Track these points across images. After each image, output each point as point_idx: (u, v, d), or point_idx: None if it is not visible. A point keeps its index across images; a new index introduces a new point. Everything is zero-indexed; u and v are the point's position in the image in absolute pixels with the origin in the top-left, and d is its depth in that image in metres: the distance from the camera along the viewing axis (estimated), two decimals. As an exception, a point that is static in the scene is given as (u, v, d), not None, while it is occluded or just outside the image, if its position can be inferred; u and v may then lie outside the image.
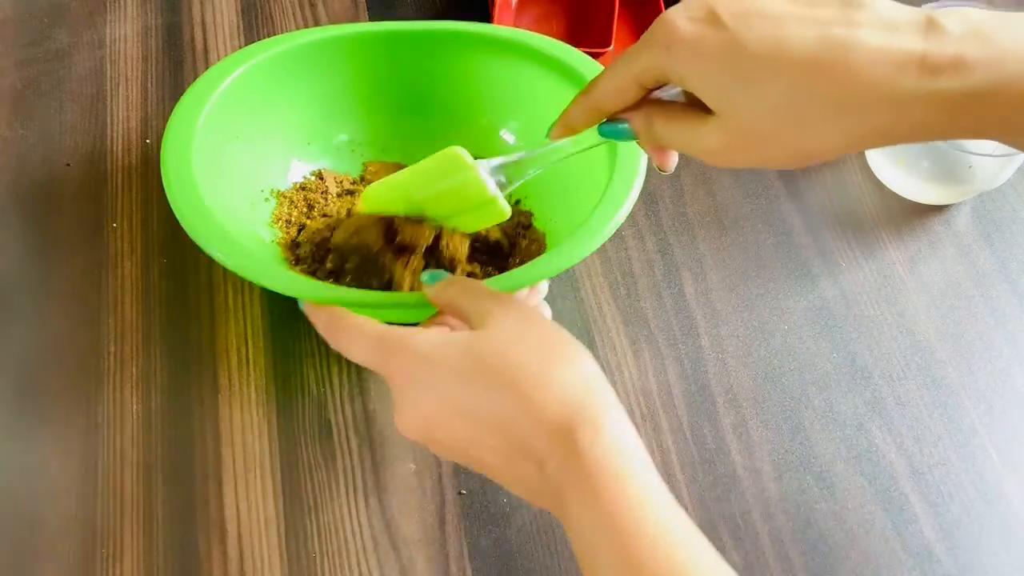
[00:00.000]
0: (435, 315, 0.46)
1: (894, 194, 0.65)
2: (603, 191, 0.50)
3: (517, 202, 0.60)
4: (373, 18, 0.72)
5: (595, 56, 0.68)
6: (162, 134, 0.52)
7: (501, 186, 0.47)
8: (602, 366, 0.56)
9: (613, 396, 0.38)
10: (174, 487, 0.51)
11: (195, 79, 0.66)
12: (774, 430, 0.55)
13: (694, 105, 0.37)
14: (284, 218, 0.57)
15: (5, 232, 0.59)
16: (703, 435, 0.54)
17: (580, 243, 0.48)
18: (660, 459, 0.53)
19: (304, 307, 0.46)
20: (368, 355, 0.40)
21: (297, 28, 0.71)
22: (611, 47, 0.67)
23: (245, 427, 0.53)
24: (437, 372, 0.37)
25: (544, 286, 0.52)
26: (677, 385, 0.56)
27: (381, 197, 0.52)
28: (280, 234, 0.56)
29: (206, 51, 0.69)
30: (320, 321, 0.44)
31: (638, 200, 0.63)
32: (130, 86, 0.66)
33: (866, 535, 0.52)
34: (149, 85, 0.67)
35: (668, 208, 0.63)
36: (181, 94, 0.65)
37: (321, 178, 0.60)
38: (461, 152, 0.46)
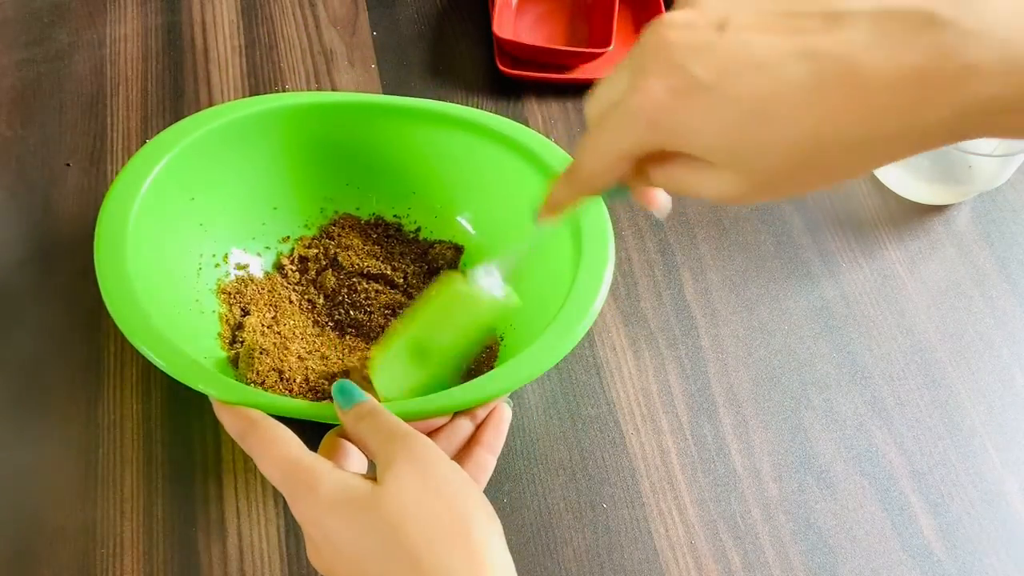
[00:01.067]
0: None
1: (894, 194, 0.65)
2: (568, 287, 0.48)
3: None
4: (373, 18, 0.72)
5: (595, 56, 0.68)
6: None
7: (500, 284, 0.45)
8: (602, 366, 0.56)
9: None
10: (174, 487, 0.51)
11: (195, 79, 0.67)
12: (774, 430, 0.55)
13: (688, 156, 0.33)
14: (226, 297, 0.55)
15: (5, 232, 0.59)
16: (703, 435, 0.54)
17: (529, 364, 0.46)
18: (660, 459, 0.53)
19: (215, 409, 0.44)
20: (276, 482, 0.40)
21: (297, 28, 0.71)
22: (611, 47, 0.67)
23: (245, 427, 0.53)
24: (338, 527, 0.37)
25: (503, 412, 0.47)
26: (677, 385, 0.56)
27: (392, 362, 0.48)
28: (224, 309, 0.54)
29: (206, 51, 0.69)
30: (231, 425, 0.43)
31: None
32: (130, 86, 0.66)
33: (866, 535, 0.52)
34: (149, 85, 0.67)
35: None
36: (181, 94, 0.66)
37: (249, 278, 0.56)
38: (456, 280, 0.44)
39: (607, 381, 0.56)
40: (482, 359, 0.54)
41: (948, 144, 0.30)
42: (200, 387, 0.44)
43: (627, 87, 0.32)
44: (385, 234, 0.59)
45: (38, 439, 0.52)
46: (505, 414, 0.47)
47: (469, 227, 0.58)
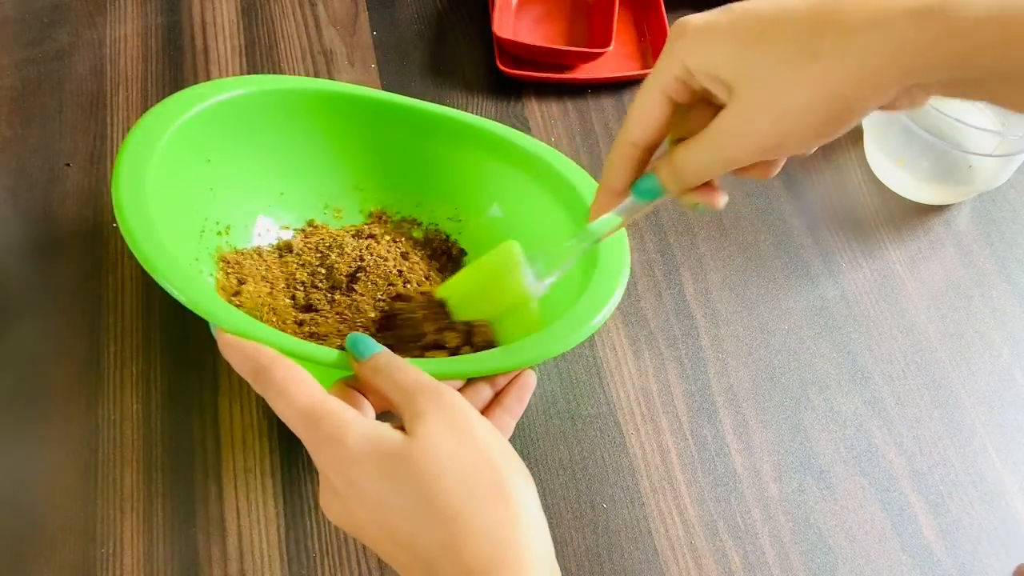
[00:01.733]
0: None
1: (894, 194, 0.65)
2: (589, 278, 0.49)
3: None
4: (373, 18, 0.72)
5: (595, 56, 0.68)
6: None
7: (538, 275, 0.46)
8: (602, 366, 0.56)
9: (539, 550, 0.36)
10: (174, 487, 0.51)
11: (195, 80, 0.67)
12: (774, 430, 0.55)
13: (698, 121, 0.38)
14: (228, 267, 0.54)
15: (5, 232, 0.59)
16: (703, 435, 0.54)
17: (560, 336, 0.46)
18: (660, 459, 0.53)
19: (220, 343, 0.41)
20: (297, 428, 0.38)
21: (297, 28, 0.71)
22: (611, 47, 0.67)
23: (245, 427, 0.53)
24: (366, 478, 0.36)
25: (529, 377, 0.47)
26: (677, 385, 0.56)
27: (453, 291, 0.50)
28: (220, 276, 0.53)
29: (206, 51, 0.69)
30: (243, 364, 0.40)
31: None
32: (130, 86, 0.66)
33: (866, 535, 0.52)
34: (149, 85, 0.67)
35: (668, 208, 0.63)
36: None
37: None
38: (514, 248, 0.46)
39: (607, 381, 0.56)
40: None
41: (920, 80, 0.33)
42: (215, 319, 0.41)
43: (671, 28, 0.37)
44: (430, 250, 0.59)
45: (38, 439, 0.52)
46: (530, 380, 0.46)
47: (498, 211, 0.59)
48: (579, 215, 0.53)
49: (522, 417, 0.54)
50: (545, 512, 0.51)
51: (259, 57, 0.68)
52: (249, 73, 0.68)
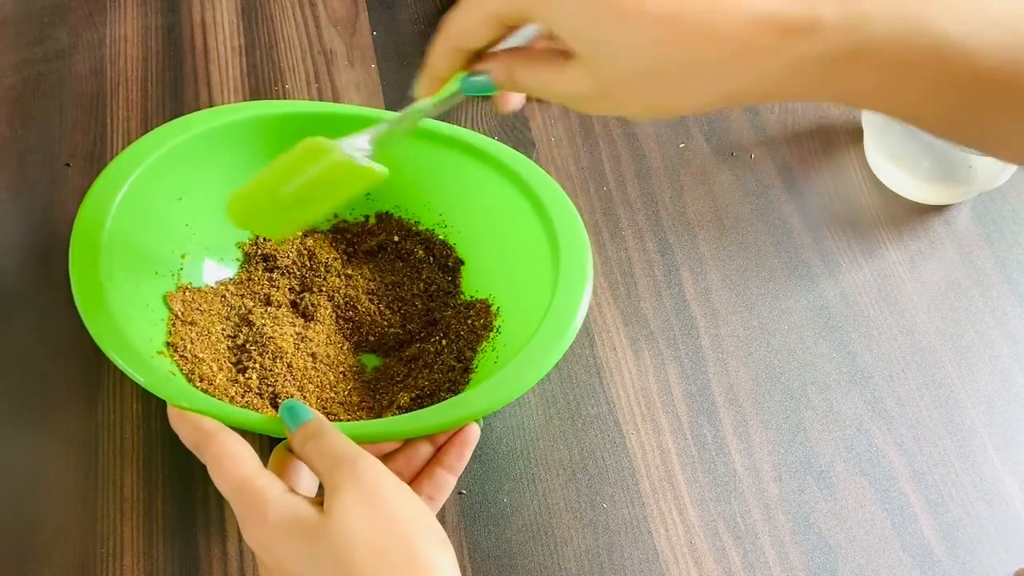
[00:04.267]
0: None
1: (894, 194, 0.65)
2: (543, 312, 0.48)
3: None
4: (373, 18, 0.72)
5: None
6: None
7: (369, 156, 0.45)
8: (602, 366, 0.56)
9: None
10: (174, 487, 0.51)
11: (195, 80, 0.67)
12: (774, 430, 0.55)
13: (554, 51, 0.36)
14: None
15: (5, 232, 0.59)
16: (703, 435, 0.54)
17: (491, 394, 0.46)
18: (660, 459, 0.53)
19: (170, 416, 0.44)
20: (228, 498, 0.40)
21: (297, 28, 0.71)
22: (611, 47, 0.67)
23: (245, 427, 0.53)
24: (286, 555, 0.37)
25: (470, 433, 0.46)
26: (677, 385, 0.56)
27: (248, 203, 0.49)
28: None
29: (206, 51, 0.69)
30: (187, 436, 0.43)
31: (638, 200, 0.64)
32: (130, 86, 0.66)
33: (866, 535, 0.52)
34: (149, 85, 0.67)
35: (668, 208, 0.63)
36: (181, 94, 0.66)
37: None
38: (320, 140, 0.45)
39: (607, 381, 0.56)
40: (453, 378, 0.52)
41: (774, 102, 0.32)
42: (159, 393, 0.44)
43: None
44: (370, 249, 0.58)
45: (38, 439, 0.52)
46: (471, 435, 0.46)
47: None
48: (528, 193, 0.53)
49: (522, 417, 0.54)
50: (545, 512, 0.51)
51: (259, 57, 0.69)
52: (248, 74, 0.68)
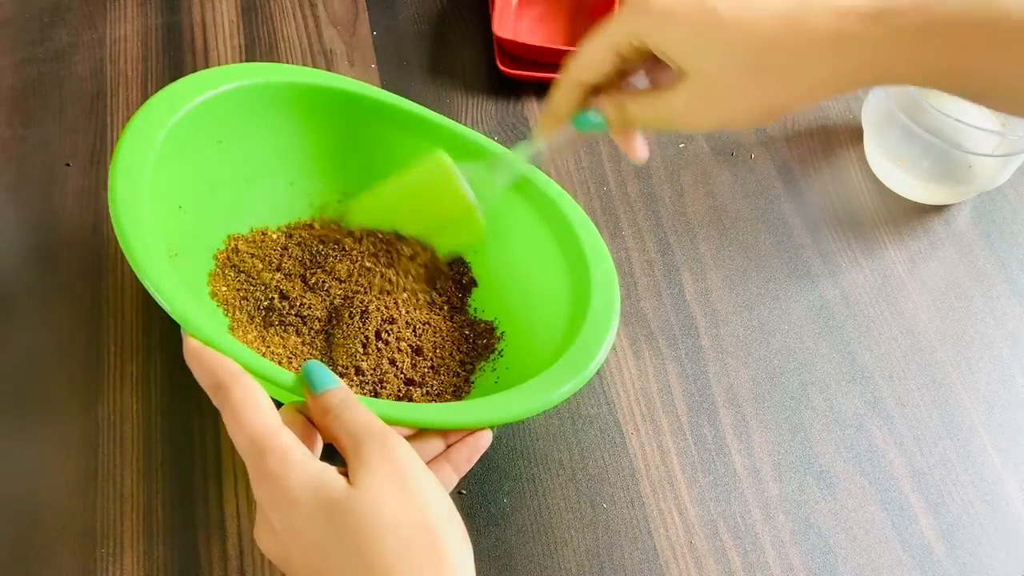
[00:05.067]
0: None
1: (894, 194, 0.65)
2: (575, 323, 0.49)
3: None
4: (373, 18, 0.72)
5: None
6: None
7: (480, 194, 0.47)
8: (602, 366, 0.56)
9: None
10: (174, 487, 0.51)
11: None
12: (774, 430, 0.55)
13: (660, 86, 0.41)
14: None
15: (5, 232, 0.59)
16: (703, 435, 0.54)
17: (519, 402, 0.45)
18: (660, 459, 0.53)
19: (186, 349, 0.40)
20: (243, 454, 0.37)
21: (297, 28, 0.71)
22: (611, 47, 0.67)
23: (245, 427, 0.53)
24: (304, 523, 0.35)
25: (483, 438, 0.45)
26: (677, 385, 0.56)
27: (368, 210, 0.52)
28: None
29: (206, 51, 0.69)
30: (204, 376, 0.39)
31: (638, 200, 0.64)
32: (130, 86, 0.66)
33: (866, 535, 0.52)
34: (149, 85, 0.67)
35: (668, 208, 0.63)
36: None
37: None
38: (443, 157, 0.47)
39: (607, 381, 0.56)
40: (457, 384, 0.52)
41: (865, 87, 0.38)
42: (183, 320, 0.40)
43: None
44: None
45: (38, 439, 0.52)
46: (484, 440, 0.45)
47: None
48: (551, 212, 0.54)
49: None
50: (545, 512, 0.51)
51: (259, 57, 0.68)
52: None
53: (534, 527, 0.51)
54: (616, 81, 0.43)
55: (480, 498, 0.51)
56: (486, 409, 0.45)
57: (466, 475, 0.51)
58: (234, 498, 0.50)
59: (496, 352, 0.53)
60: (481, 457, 0.48)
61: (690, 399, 0.56)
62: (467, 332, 0.55)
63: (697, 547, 0.51)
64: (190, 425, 0.52)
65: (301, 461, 0.36)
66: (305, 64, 0.69)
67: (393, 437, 0.37)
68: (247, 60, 0.68)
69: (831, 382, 0.57)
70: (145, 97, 0.66)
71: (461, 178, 0.47)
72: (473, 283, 0.57)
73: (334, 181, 0.58)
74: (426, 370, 0.52)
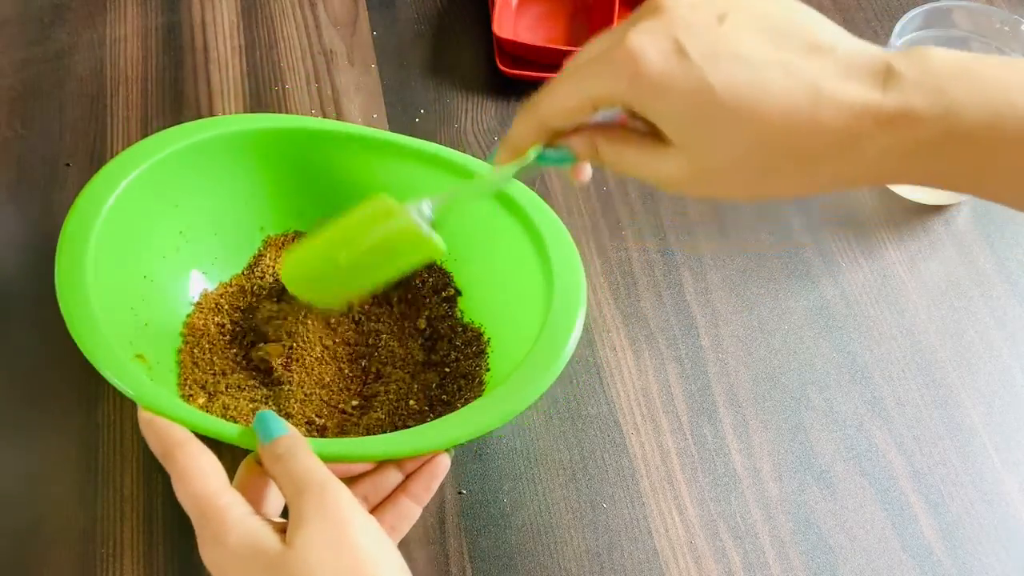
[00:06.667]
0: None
1: (894, 194, 0.65)
2: (531, 343, 0.47)
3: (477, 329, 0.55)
4: (373, 18, 0.72)
5: (595, 56, 0.68)
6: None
7: (433, 225, 0.44)
8: (602, 366, 0.56)
9: None
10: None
11: (195, 79, 0.67)
12: (774, 430, 0.55)
13: (644, 133, 0.36)
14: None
15: (5, 232, 0.59)
16: (703, 435, 0.54)
17: (464, 422, 0.44)
18: (660, 459, 0.53)
19: (139, 421, 0.42)
20: (189, 514, 0.38)
21: (297, 28, 0.71)
22: (611, 47, 0.67)
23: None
24: None
25: (440, 464, 0.45)
26: (677, 385, 0.56)
27: (304, 268, 0.49)
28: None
29: (206, 51, 0.69)
30: (155, 443, 0.41)
31: (638, 200, 0.64)
32: (130, 86, 0.66)
33: (866, 535, 0.52)
34: (149, 85, 0.67)
35: (668, 208, 0.63)
36: (181, 94, 0.66)
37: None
38: (388, 200, 0.44)
39: (607, 381, 0.56)
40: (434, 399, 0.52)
41: (872, 185, 0.34)
42: (130, 392, 0.43)
43: (616, 42, 0.34)
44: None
45: (38, 439, 0.52)
46: (440, 467, 0.44)
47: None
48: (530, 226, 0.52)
49: (522, 417, 0.54)
50: (545, 512, 0.51)
51: (259, 57, 0.69)
52: (248, 74, 0.68)
53: (534, 527, 0.51)
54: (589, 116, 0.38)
55: (480, 498, 0.51)
56: (435, 432, 0.44)
57: (464, 473, 0.51)
58: (234, 498, 0.50)
59: (485, 358, 0.53)
60: (480, 456, 0.48)
61: (690, 399, 0.56)
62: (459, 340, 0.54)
63: (697, 547, 0.51)
64: (190, 425, 0.52)
65: (237, 521, 0.37)
66: (305, 64, 0.69)
67: (332, 486, 0.37)
68: (247, 60, 0.68)
69: (831, 382, 0.57)
70: (145, 97, 0.66)
71: (404, 208, 0.44)
72: (458, 292, 0.56)
73: (304, 218, 0.58)
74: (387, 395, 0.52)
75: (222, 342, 0.53)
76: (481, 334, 0.54)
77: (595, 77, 0.35)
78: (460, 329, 0.55)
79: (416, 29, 0.72)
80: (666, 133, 0.34)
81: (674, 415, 0.55)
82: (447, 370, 0.53)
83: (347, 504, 0.37)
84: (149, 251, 0.52)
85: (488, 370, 0.52)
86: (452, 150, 0.55)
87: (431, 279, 0.56)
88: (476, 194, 0.45)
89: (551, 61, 0.69)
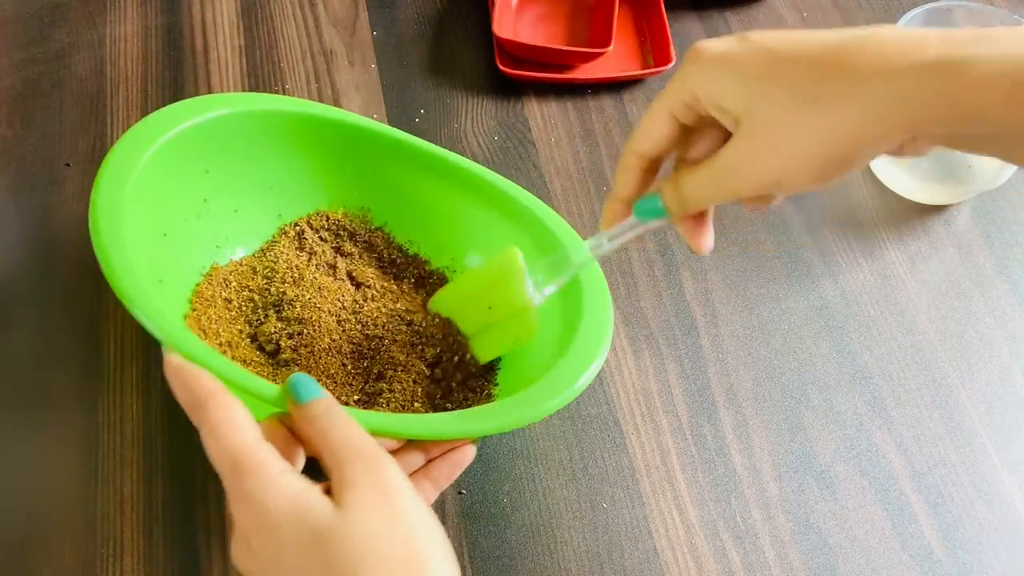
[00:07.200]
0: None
1: (894, 194, 0.65)
2: (567, 338, 0.48)
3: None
4: (373, 18, 0.72)
5: (595, 56, 0.68)
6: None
7: (538, 285, 0.47)
8: (602, 367, 0.56)
9: None
10: (174, 487, 0.51)
11: (195, 79, 0.67)
12: (774, 430, 0.55)
13: (710, 149, 0.39)
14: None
15: (5, 232, 0.59)
16: (703, 435, 0.54)
17: (503, 414, 0.44)
18: (660, 459, 0.53)
19: (166, 366, 0.38)
20: (221, 473, 0.36)
21: (297, 28, 0.71)
22: (611, 47, 0.67)
23: (245, 427, 0.53)
24: (285, 546, 0.34)
25: (465, 453, 0.45)
26: (677, 385, 0.56)
27: (445, 302, 0.52)
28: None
29: (206, 51, 0.69)
30: (182, 393, 0.38)
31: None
32: (130, 86, 0.66)
33: (866, 535, 0.52)
34: (149, 85, 0.67)
35: (668, 208, 0.63)
36: (181, 94, 0.66)
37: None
38: (516, 253, 0.46)
39: (607, 381, 0.56)
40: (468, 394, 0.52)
41: (939, 127, 0.34)
42: (160, 333, 0.40)
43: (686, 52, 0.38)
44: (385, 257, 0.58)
45: (38, 439, 0.52)
46: (466, 455, 0.44)
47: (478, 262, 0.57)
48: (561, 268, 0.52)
49: (522, 417, 0.54)
50: (545, 512, 0.51)
51: (259, 57, 0.69)
52: (248, 74, 0.68)
53: (534, 527, 0.51)
54: (677, 139, 0.40)
55: (480, 498, 0.51)
56: (476, 419, 0.44)
57: (464, 473, 0.51)
58: (234, 498, 0.50)
59: (495, 371, 0.53)
60: (480, 456, 0.48)
61: (690, 399, 0.56)
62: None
63: (697, 547, 0.51)
64: (190, 425, 0.52)
65: (282, 480, 0.35)
66: (305, 64, 0.69)
67: (383, 457, 0.36)
68: (247, 60, 0.68)
69: (831, 382, 0.57)
70: (145, 97, 0.66)
71: (526, 274, 0.46)
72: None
73: (325, 205, 0.58)
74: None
75: (228, 316, 0.53)
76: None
77: (669, 86, 0.38)
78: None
79: (416, 29, 0.72)
80: (730, 106, 0.36)
81: (674, 415, 0.55)
82: (453, 385, 0.53)
83: (398, 475, 0.36)
84: (173, 210, 0.52)
85: (497, 384, 0.52)
86: (463, 158, 0.55)
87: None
88: (582, 263, 0.47)
89: (551, 61, 0.69)
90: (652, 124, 0.39)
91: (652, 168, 0.41)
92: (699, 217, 0.42)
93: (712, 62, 0.36)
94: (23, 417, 0.52)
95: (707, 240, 0.42)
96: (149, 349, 0.55)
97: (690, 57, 0.37)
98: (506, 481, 0.52)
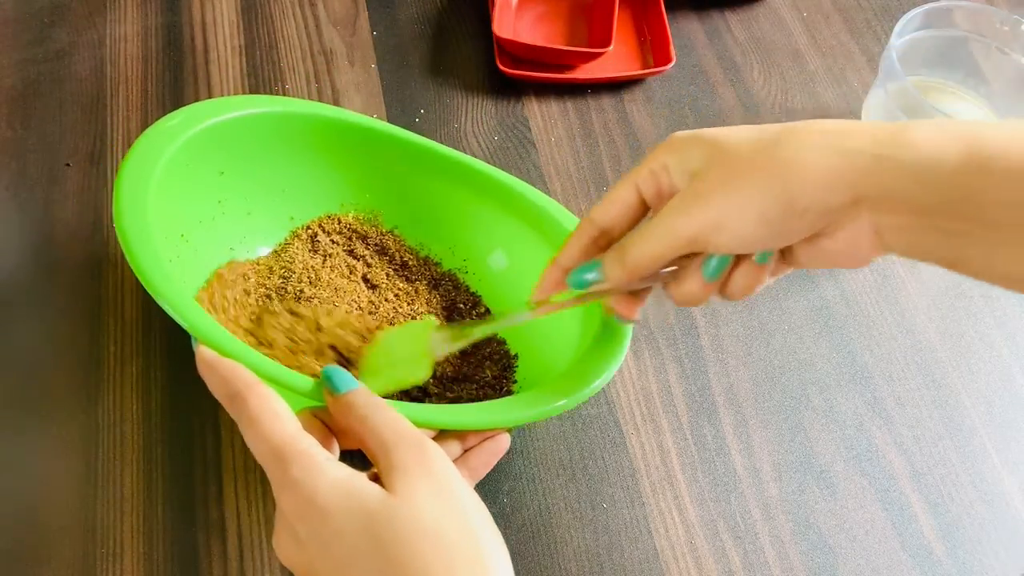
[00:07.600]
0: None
1: (894, 194, 0.65)
2: (595, 333, 0.48)
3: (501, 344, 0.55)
4: (373, 18, 0.72)
5: (595, 56, 0.68)
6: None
7: (441, 342, 0.46)
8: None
9: None
10: (174, 487, 0.51)
11: (195, 79, 0.67)
12: (774, 430, 0.55)
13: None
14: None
15: (5, 232, 0.59)
16: (703, 435, 0.54)
17: (540, 403, 0.44)
18: (660, 459, 0.53)
19: (199, 360, 0.38)
20: (265, 464, 0.36)
21: (297, 28, 0.71)
22: (611, 47, 0.67)
23: (245, 427, 0.53)
24: (336, 533, 0.34)
25: (501, 443, 0.44)
26: (677, 385, 0.56)
27: (369, 359, 0.50)
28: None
29: (206, 51, 0.69)
30: (219, 387, 0.38)
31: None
32: (130, 86, 0.66)
33: (866, 535, 0.52)
34: (149, 85, 0.67)
35: (668, 208, 0.63)
36: (181, 94, 0.66)
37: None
38: (432, 332, 0.46)
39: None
40: (494, 379, 0.52)
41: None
42: (197, 331, 0.40)
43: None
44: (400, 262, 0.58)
45: (38, 439, 0.52)
46: (501, 444, 0.44)
47: (502, 261, 0.57)
48: None
49: (522, 417, 0.54)
50: (545, 512, 0.51)
51: (259, 57, 0.69)
52: (248, 74, 0.68)
53: (534, 527, 0.51)
54: (637, 213, 0.42)
55: (480, 498, 0.51)
56: (513, 409, 0.44)
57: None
58: (234, 498, 0.50)
59: (513, 370, 0.53)
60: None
61: (690, 399, 0.56)
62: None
63: (697, 547, 0.51)
64: (190, 425, 0.53)
65: (328, 466, 0.35)
66: (305, 64, 0.69)
67: (428, 442, 0.36)
68: (247, 60, 0.68)
69: (831, 382, 0.57)
70: (145, 97, 0.66)
71: (435, 337, 0.46)
72: (488, 311, 0.56)
73: (336, 209, 0.58)
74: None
75: (244, 300, 0.53)
76: (508, 351, 0.54)
77: (638, 166, 0.40)
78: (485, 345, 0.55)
79: (416, 29, 0.72)
80: (682, 172, 0.38)
81: (674, 415, 0.55)
82: (473, 385, 0.53)
83: (444, 459, 0.36)
84: (189, 212, 0.52)
85: (516, 382, 0.52)
86: (473, 159, 0.55)
87: (458, 297, 0.57)
88: (499, 328, 0.46)
89: (551, 61, 0.69)
90: (616, 193, 0.41)
91: (601, 243, 0.42)
92: (636, 295, 0.43)
93: (678, 143, 0.39)
94: (23, 417, 0.52)
95: (637, 309, 0.43)
96: (149, 349, 0.55)
97: (660, 145, 0.40)
98: (506, 481, 0.52)
